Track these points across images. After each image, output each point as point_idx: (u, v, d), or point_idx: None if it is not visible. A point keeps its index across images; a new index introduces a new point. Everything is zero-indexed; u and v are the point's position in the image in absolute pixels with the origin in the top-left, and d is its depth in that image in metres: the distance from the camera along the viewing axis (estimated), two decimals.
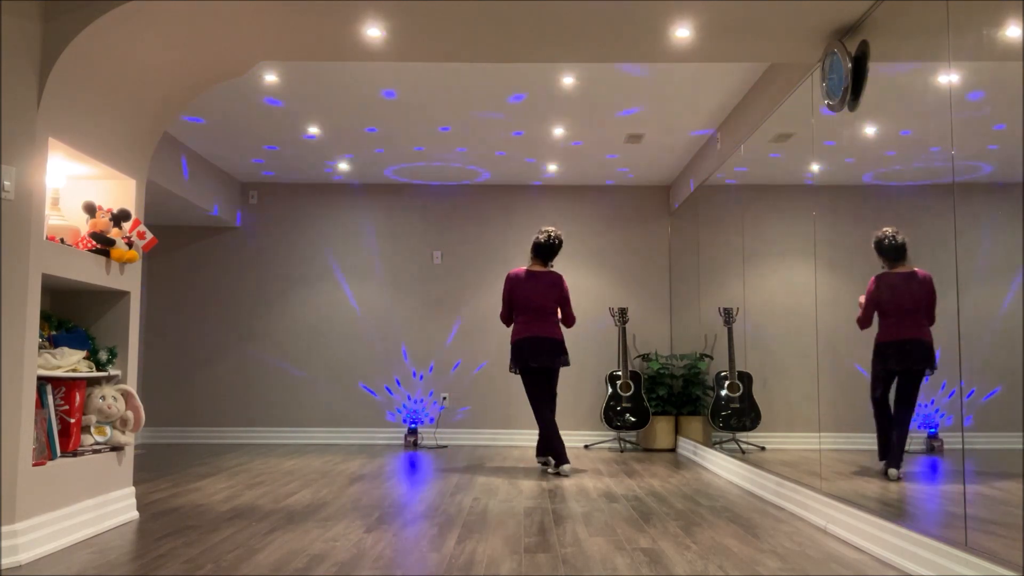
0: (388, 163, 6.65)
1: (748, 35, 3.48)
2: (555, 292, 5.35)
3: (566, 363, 5.33)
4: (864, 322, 2.99)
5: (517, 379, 7.18)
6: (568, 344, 7.25)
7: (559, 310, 5.42)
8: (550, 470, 5.34)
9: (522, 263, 7.28)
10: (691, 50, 3.63)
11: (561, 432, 7.16)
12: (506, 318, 5.45)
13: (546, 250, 5.39)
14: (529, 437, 7.11)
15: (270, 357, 7.25)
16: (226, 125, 5.65)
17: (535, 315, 5.31)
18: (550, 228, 5.43)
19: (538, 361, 5.24)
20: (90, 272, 3.28)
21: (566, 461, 5.16)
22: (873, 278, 2.91)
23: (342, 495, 4.25)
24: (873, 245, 2.95)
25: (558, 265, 7.30)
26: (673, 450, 6.72)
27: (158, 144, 5.58)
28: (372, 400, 7.22)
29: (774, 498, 4.08)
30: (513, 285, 5.37)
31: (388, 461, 5.84)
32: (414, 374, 7.24)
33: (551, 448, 5.22)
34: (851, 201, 3.48)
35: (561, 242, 5.43)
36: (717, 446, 5.52)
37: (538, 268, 5.40)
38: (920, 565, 2.63)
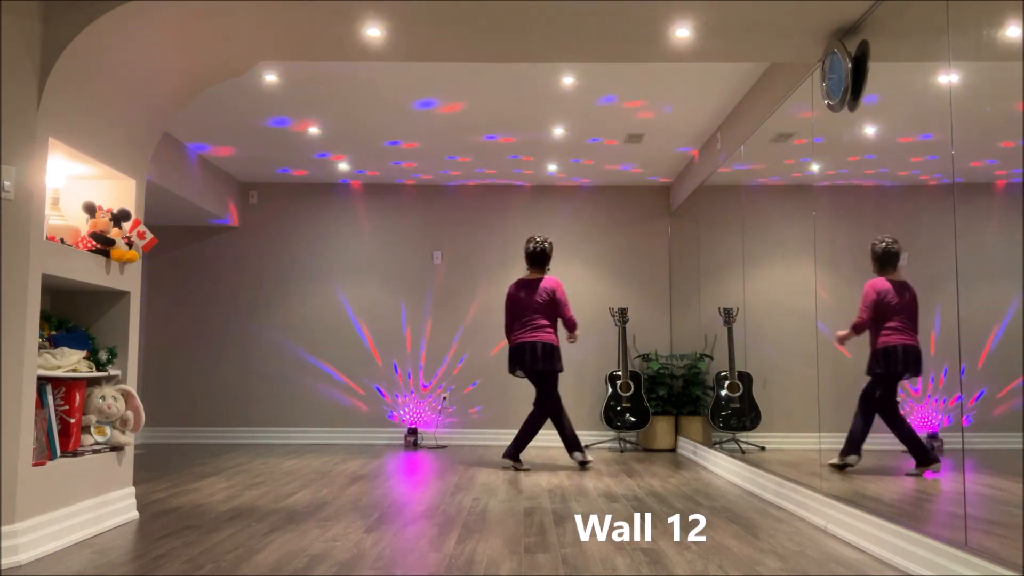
0: (388, 163, 6.65)
1: (748, 35, 3.47)
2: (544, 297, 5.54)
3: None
4: None
5: (517, 380, 7.17)
6: (569, 343, 7.25)
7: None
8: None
9: (522, 263, 7.27)
10: (691, 50, 3.63)
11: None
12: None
13: (535, 257, 5.60)
14: None
15: (270, 357, 7.25)
16: (226, 125, 5.65)
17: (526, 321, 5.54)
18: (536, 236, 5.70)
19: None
20: (90, 272, 3.28)
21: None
22: None
23: (342, 495, 4.25)
24: None
25: (556, 263, 7.29)
26: (673, 450, 6.72)
27: (158, 144, 5.58)
28: (372, 400, 7.22)
29: (774, 498, 4.08)
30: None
31: (388, 461, 5.85)
32: (414, 374, 7.25)
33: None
34: (851, 201, 3.48)
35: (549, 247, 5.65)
36: (717, 446, 5.52)
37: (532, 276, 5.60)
38: (920, 565, 2.63)
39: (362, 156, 6.44)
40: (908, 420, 2.87)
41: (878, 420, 3.16)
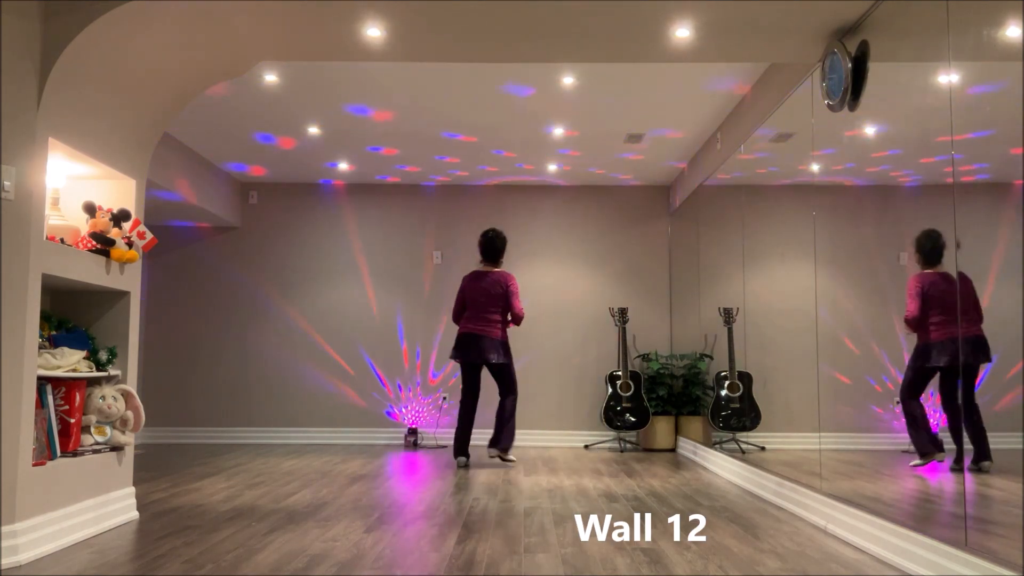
0: (388, 163, 6.65)
1: (748, 35, 3.47)
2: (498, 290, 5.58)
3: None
4: None
5: (522, 378, 7.16)
6: (570, 343, 7.25)
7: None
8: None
9: (521, 263, 7.27)
10: (691, 50, 3.63)
11: (562, 432, 7.19)
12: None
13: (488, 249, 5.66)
14: (530, 437, 7.11)
15: (270, 357, 7.25)
16: (226, 125, 5.65)
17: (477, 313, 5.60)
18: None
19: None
20: (90, 272, 3.28)
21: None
22: None
23: (342, 495, 4.25)
24: None
25: (555, 263, 7.29)
26: (673, 450, 6.72)
27: (158, 144, 5.58)
28: (372, 400, 7.22)
29: (774, 498, 4.08)
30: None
31: (388, 461, 5.85)
32: (414, 374, 7.24)
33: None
34: (851, 201, 3.48)
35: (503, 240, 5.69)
36: (717, 446, 5.52)
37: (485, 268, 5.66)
38: (920, 565, 2.63)
39: (361, 155, 6.44)
40: (929, 418, 2.85)
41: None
